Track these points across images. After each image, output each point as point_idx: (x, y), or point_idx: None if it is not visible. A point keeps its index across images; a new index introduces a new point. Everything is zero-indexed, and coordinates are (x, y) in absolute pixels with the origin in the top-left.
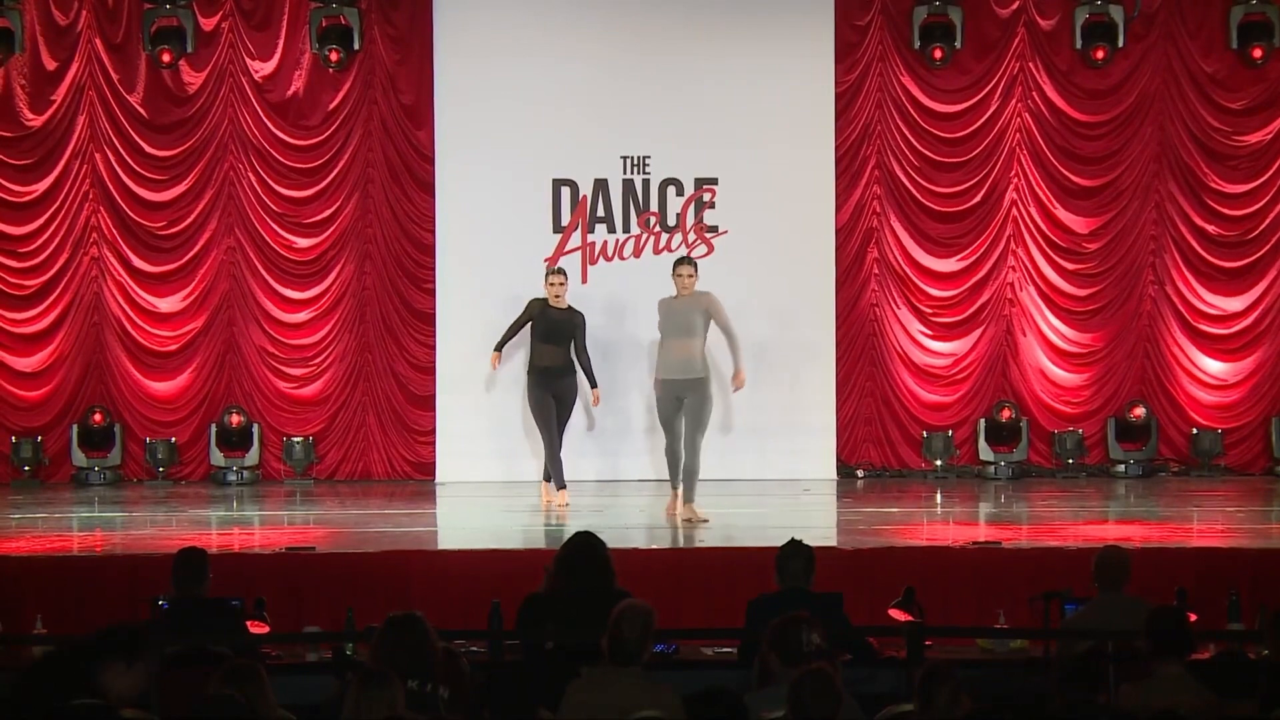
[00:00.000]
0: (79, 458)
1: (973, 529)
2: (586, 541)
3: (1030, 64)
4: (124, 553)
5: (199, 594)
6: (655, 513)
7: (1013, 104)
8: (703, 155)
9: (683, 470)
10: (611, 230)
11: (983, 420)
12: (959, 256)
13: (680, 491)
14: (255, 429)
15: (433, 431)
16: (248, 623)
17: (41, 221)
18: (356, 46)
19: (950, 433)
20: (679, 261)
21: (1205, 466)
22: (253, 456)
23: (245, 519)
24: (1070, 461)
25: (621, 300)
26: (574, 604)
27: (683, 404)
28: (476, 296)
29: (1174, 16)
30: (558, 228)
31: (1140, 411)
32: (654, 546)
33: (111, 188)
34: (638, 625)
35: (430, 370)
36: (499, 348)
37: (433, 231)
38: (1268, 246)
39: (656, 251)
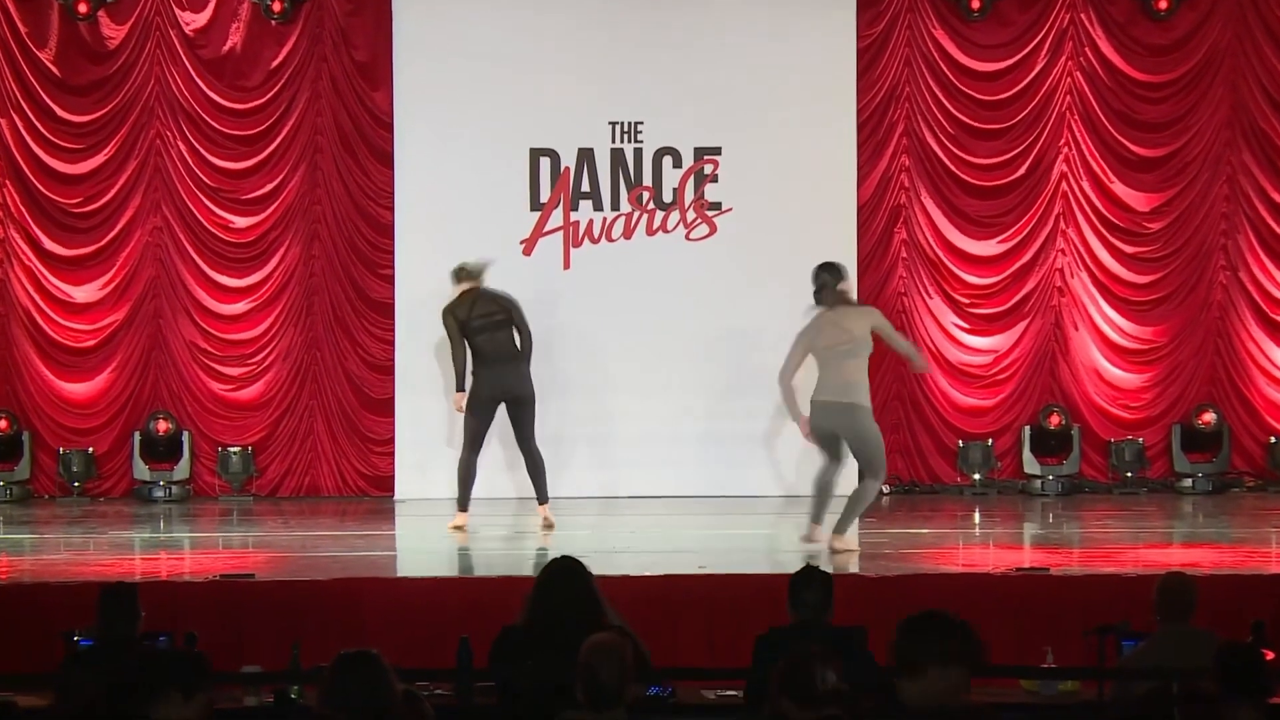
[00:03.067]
0: None
1: (1016, 553)
2: (567, 567)
3: (1082, 14)
4: (32, 580)
5: (129, 634)
6: (650, 533)
7: (1062, 61)
8: (704, 121)
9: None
10: (598, 208)
11: (1028, 428)
12: (1000, 238)
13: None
14: (185, 438)
15: (391, 441)
16: None
17: None
18: None
19: (990, 442)
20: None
21: None
22: (182, 469)
23: (174, 542)
24: (1129, 475)
25: (610, 288)
26: (555, 638)
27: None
28: (442, 285)
29: None
30: (536, 205)
31: (1210, 417)
32: (646, 573)
33: (19, 158)
34: (613, 663)
35: (388, 370)
36: None
37: (391, 209)
38: None
39: (650, 232)
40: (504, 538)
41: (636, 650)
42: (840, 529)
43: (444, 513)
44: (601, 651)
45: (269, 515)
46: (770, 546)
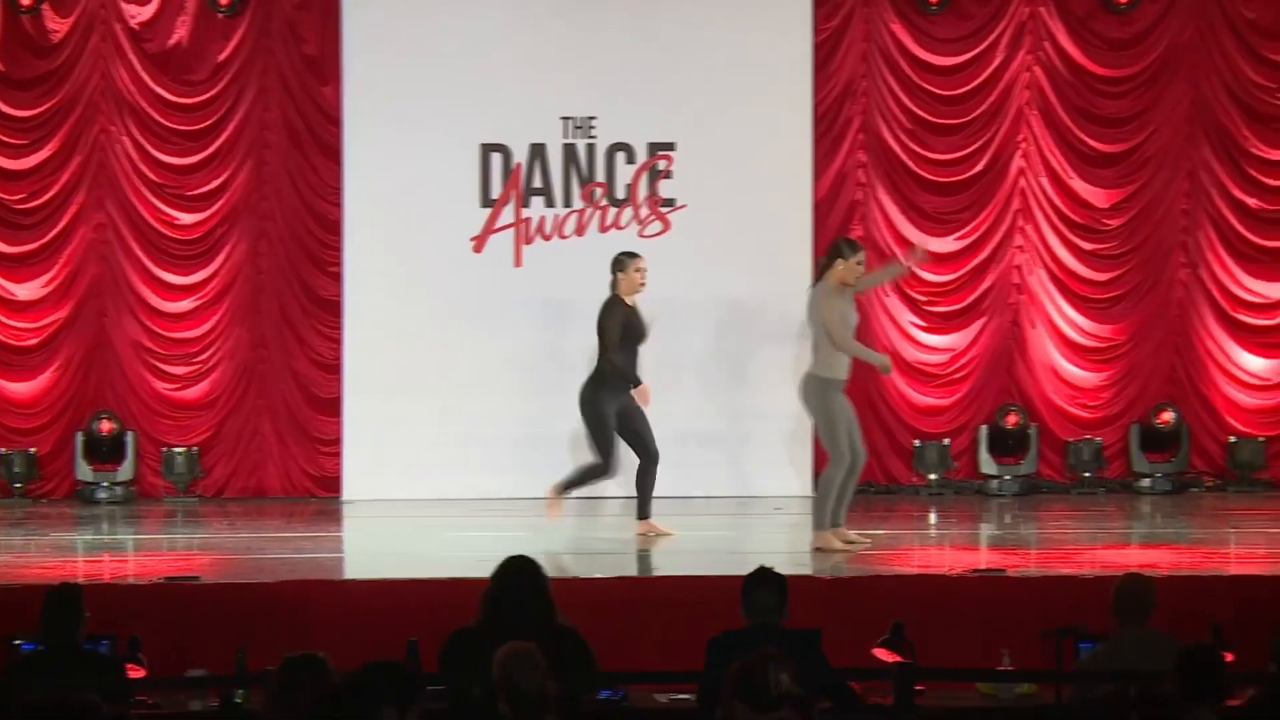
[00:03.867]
0: None
1: (973, 554)
2: (521, 567)
3: (1042, 8)
4: None
5: (74, 640)
6: (600, 535)
7: (1021, 56)
8: (657, 116)
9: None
10: (550, 204)
11: (985, 427)
12: (957, 235)
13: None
14: (130, 438)
15: (338, 441)
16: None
17: None
18: None
19: (947, 442)
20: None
21: (1245, 480)
22: (126, 470)
23: (118, 544)
24: (1087, 475)
25: (562, 286)
26: (506, 640)
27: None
28: (390, 282)
29: None
30: (487, 201)
31: (1169, 417)
32: (597, 575)
33: None
34: (533, 671)
35: (336, 369)
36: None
37: (339, 205)
38: None
39: (603, 229)
40: (454, 538)
41: (583, 653)
42: (816, 525)
43: (392, 514)
44: (516, 659)
45: (214, 517)
46: (724, 548)
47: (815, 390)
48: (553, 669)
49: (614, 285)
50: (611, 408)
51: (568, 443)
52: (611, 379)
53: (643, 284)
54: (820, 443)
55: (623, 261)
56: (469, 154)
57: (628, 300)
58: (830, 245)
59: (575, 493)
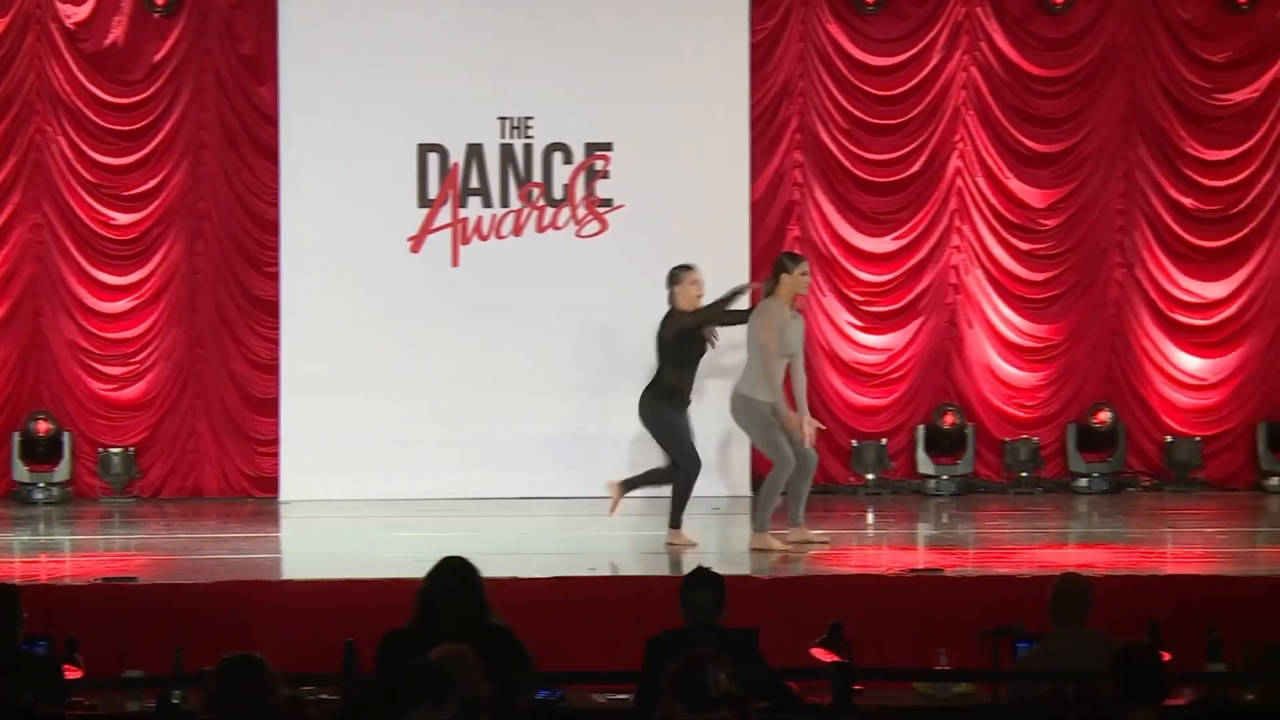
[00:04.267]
0: None
1: (910, 554)
2: (455, 569)
3: (978, 8)
4: None
5: (11, 641)
6: (537, 535)
7: (958, 56)
8: (594, 116)
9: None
10: (487, 204)
11: (922, 427)
12: (894, 235)
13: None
14: (66, 438)
15: (276, 441)
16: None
17: None
18: None
19: (884, 441)
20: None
21: (1181, 480)
22: (63, 471)
23: (54, 544)
24: (1024, 475)
25: (499, 286)
26: (441, 641)
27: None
28: (328, 282)
29: None
30: (424, 201)
31: (1105, 416)
32: (535, 575)
33: None
34: (467, 672)
35: (273, 369)
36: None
37: (276, 205)
38: (1254, 223)
39: (540, 229)
40: (392, 539)
41: (517, 653)
42: (756, 527)
43: (330, 514)
44: (451, 660)
45: (152, 517)
46: (662, 548)
47: (742, 408)
48: (487, 669)
49: (672, 299)
50: (669, 412)
51: (505, 443)
52: (669, 391)
53: (700, 296)
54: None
55: (678, 275)
56: (406, 154)
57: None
58: (773, 263)
59: (642, 493)
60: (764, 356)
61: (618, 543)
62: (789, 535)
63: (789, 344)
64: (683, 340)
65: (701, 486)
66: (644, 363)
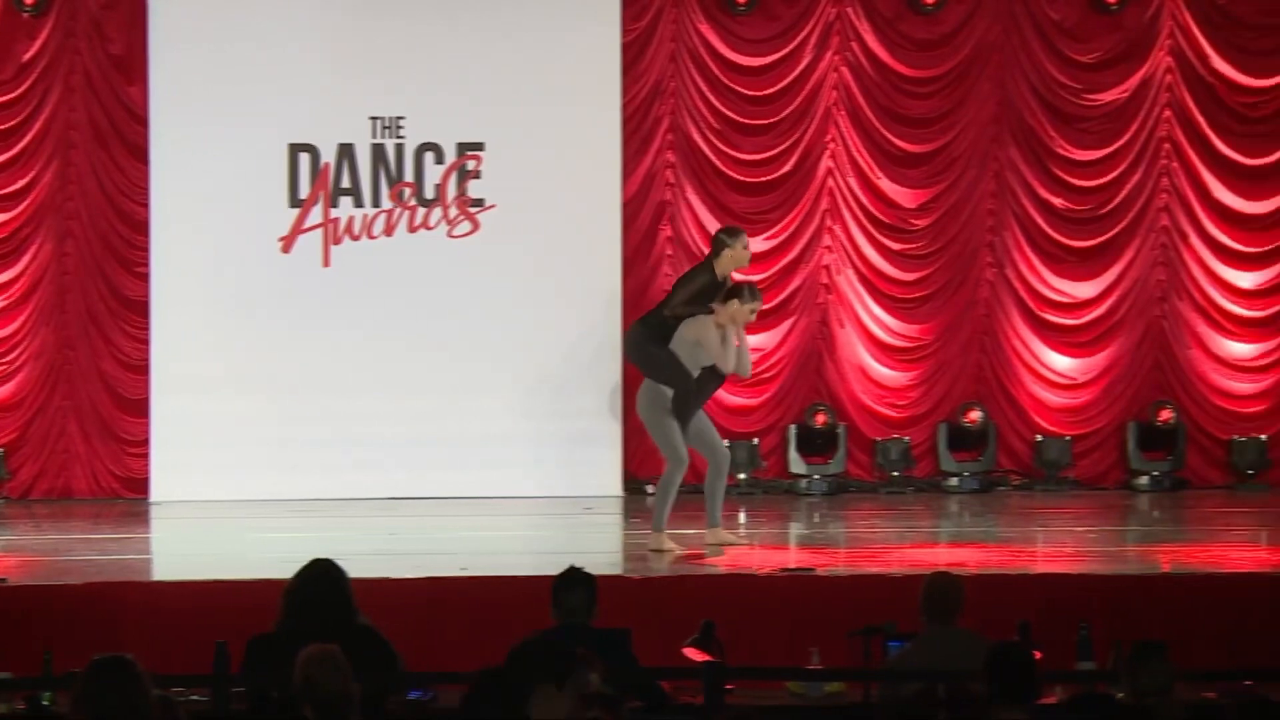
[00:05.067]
0: None
1: (782, 553)
2: (322, 571)
3: (849, 9)
4: None
5: None
6: (408, 534)
7: (828, 56)
8: (466, 116)
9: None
10: (359, 204)
11: (794, 427)
12: (766, 235)
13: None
14: None
15: (146, 442)
16: None
17: None
18: None
19: (756, 441)
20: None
21: (1051, 479)
22: None
23: None
24: (895, 474)
25: (370, 286)
26: (307, 644)
27: None
28: (198, 282)
29: None
30: (295, 201)
31: (976, 416)
32: (406, 575)
33: None
34: (336, 672)
35: (143, 369)
36: None
37: (146, 205)
38: (1123, 223)
39: (411, 229)
40: (264, 539)
41: (383, 651)
42: (654, 527)
43: (201, 515)
44: (318, 661)
45: (20, 518)
46: (534, 548)
47: (648, 398)
48: (356, 669)
49: (716, 259)
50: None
51: (375, 442)
52: (659, 330)
53: (746, 263)
54: (629, 444)
55: (731, 236)
56: (277, 154)
57: (719, 276)
58: (712, 240)
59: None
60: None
61: (490, 542)
62: (706, 537)
63: (700, 360)
64: (698, 294)
65: (572, 486)
66: (516, 361)
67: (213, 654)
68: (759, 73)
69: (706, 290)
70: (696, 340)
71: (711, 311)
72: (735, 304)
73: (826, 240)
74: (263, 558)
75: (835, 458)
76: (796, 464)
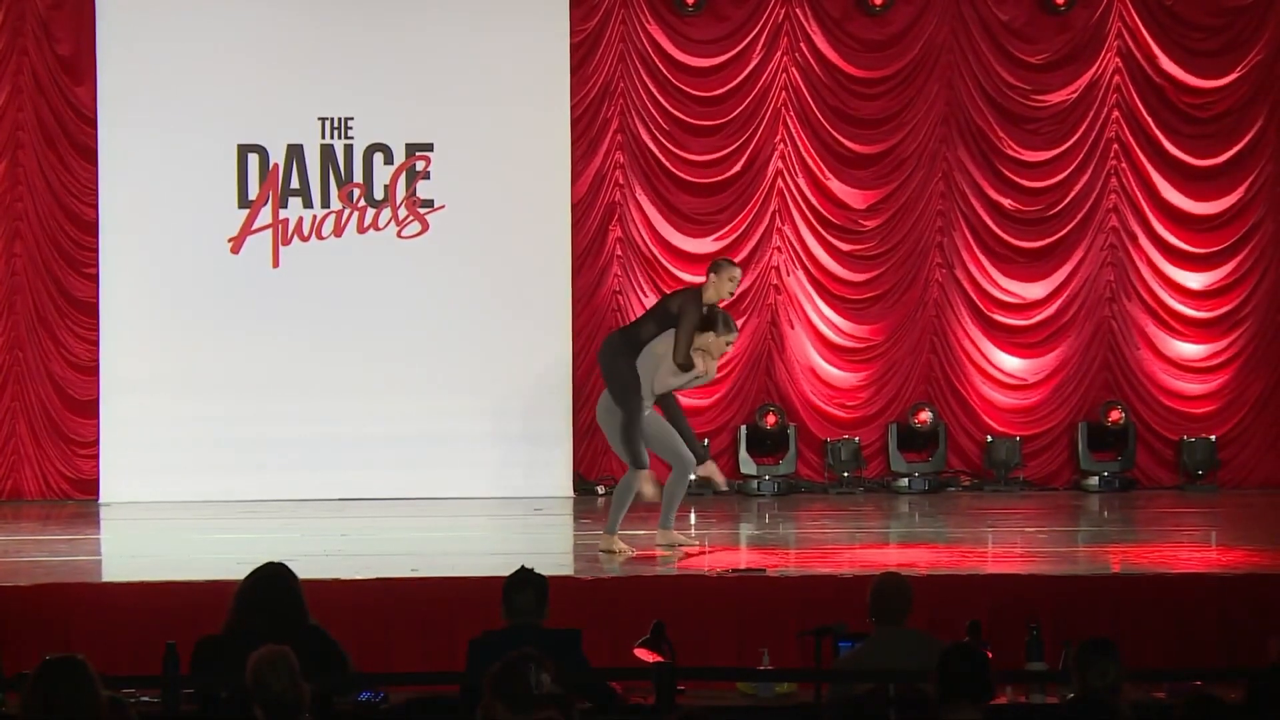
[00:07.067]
0: None
1: (732, 554)
2: (273, 573)
3: (798, 9)
4: None
5: None
6: (359, 536)
7: (777, 57)
8: (415, 117)
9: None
10: (308, 205)
11: (744, 427)
12: (715, 236)
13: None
14: None
15: (96, 443)
16: None
17: None
18: None
19: (706, 442)
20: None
21: (1001, 480)
22: None
23: None
24: (845, 475)
25: (320, 287)
26: (257, 645)
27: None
28: (148, 283)
29: None
30: (244, 202)
31: (926, 416)
32: (357, 576)
33: None
34: (283, 673)
35: (93, 370)
36: None
37: (95, 206)
38: (1073, 223)
39: (361, 230)
40: (213, 541)
41: (333, 651)
42: (608, 529)
43: (151, 516)
44: (267, 663)
45: None
46: (484, 549)
47: (606, 404)
48: (306, 670)
49: (705, 285)
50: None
51: (326, 443)
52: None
53: (730, 295)
54: (579, 445)
55: (718, 269)
56: (226, 155)
57: (704, 306)
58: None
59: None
60: (676, 352)
61: (440, 542)
62: (657, 538)
63: (664, 372)
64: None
65: (522, 486)
66: (465, 361)
67: (162, 654)
68: (708, 73)
69: (699, 324)
70: (666, 354)
71: None
72: (710, 336)
73: (776, 241)
74: (213, 559)
75: (785, 458)
76: (747, 464)
